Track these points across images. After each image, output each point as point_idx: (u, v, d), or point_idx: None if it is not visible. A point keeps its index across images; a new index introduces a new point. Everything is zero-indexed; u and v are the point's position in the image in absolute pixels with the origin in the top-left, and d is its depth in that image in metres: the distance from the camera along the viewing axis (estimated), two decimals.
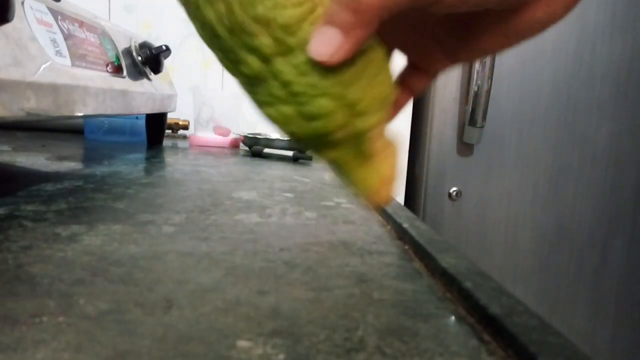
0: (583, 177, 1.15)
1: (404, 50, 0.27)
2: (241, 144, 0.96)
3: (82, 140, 0.89)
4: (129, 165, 0.62)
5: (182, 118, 1.11)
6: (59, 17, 0.43)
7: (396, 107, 0.26)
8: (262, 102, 0.21)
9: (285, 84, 0.20)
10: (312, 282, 0.25)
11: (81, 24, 0.49)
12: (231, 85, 1.16)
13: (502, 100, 1.11)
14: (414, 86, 0.27)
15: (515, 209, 1.17)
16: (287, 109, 0.21)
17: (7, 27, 0.32)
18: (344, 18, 0.19)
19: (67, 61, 0.42)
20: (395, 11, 0.19)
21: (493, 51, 0.25)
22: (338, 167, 0.23)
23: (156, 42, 0.71)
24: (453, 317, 0.22)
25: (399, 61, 0.27)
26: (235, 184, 0.55)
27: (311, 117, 0.20)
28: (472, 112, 1.07)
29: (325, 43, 0.19)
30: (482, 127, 1.08)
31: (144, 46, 0.68)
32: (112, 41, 0.57)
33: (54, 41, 0.40)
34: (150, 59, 0.68)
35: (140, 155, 0.74)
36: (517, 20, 0.22)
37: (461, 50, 0.25)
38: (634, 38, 1.08)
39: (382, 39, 0.22)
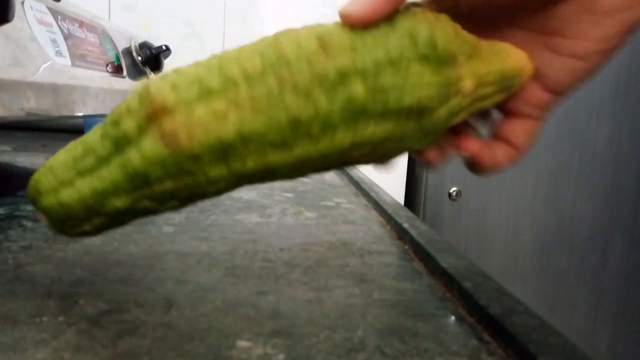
0: (583, 177, 1.15)
1: None
2: None
3: None
4: None
5: None
6: (59, 17, 0.43)
7: (496, 165, 0.23)
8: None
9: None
10: (312, 282, 0.25)
11: (81, 24, 0.49)
12: None
13: None
14: (515, 137, 0.23)
15: (515, 209, 1.17)
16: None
17: (7, 27, 0.32)
18: None
19: (67, 61, 0.42)
20: None
21: (592, 48, 0.20)
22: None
23: (156, 42, 0.71)
24: (453, 317, 0.22)
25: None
26: None
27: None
28: None
29: (352, 3, 0.19)
30: None
31: (144, 46, 0.68)
32: (112, 41, 0.57)
33: (54, 41, 0.40)
34: (150, 59, 0.68)
35: None
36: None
37: (556, 63, 0.21)
38: (634, 38, 1.08)
39: None
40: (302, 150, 0.20)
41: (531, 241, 1.19)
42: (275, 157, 0.20)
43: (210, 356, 0.17)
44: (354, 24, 0.19)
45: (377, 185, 0.52)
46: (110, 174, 0.20)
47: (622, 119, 1.14)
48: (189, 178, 0.20)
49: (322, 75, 0.19)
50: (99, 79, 0.48)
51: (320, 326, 0.20)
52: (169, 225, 0.34)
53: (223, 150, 0.19)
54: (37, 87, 0.35)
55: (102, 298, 0.21)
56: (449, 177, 1.15)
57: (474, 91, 0.21)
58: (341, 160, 0.21)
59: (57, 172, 0.21)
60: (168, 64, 0.82)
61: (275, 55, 0.19)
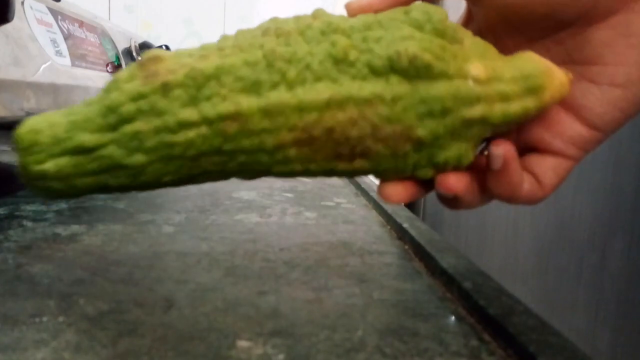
0: (583, 177, 1.15)
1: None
2: None
3: None
4: None
5: None
6: (59, 17, 0.43)
7: (513, 199, 0.20)
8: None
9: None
10: (312, 282, 0.25)
11: (81, 24, 0.49)
12: None
13: None
14: (543, 173, 0.20)
15: (515, 209, 1.17)
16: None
17: (7, 27, 0.32)
18: None
19: (67, 61, 0.42)
20: None
21: (635, 74, 0.18)
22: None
23: (156, 42, 0.71)
24: (453, 317, 0.22)
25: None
26: (235, 183, 0.55)
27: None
28: None
29: None
30: None
31: (144, 46, 0.68)
32: (112, 41, 0.57)
33: (54, 41, 0.40)
34: None
35: None
36: (635, 17, 0.18)
37: (594, 93, 0.19)
38: None
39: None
40: (275, 96, 0.18)
41: (531, 241, 1.19)
42: (246, 101, 0.18)
43: (210, 356, 0.17)
44: (355, 14, 0.19)
45: (377, 185, 0.52)
46: (88, 109, 0.19)
47: None
48: (158, 119, 0.18)
49: (307, 27, 0.19)
50: (99, 79, 0.48)
51: (320, 326, 0.20)
52: (169, 225, 0.34)
53: (196, 85, 0.18)
54: (37, 87, 0.35)
55: (102, 298, 0.21)
56: None
57: (490, 83, 0.18)
58: (328, 127, 0.18)
59: (48, 113, 0.20)
60: None
61: (268, 21, 0.19)
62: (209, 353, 0.17)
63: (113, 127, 0.19)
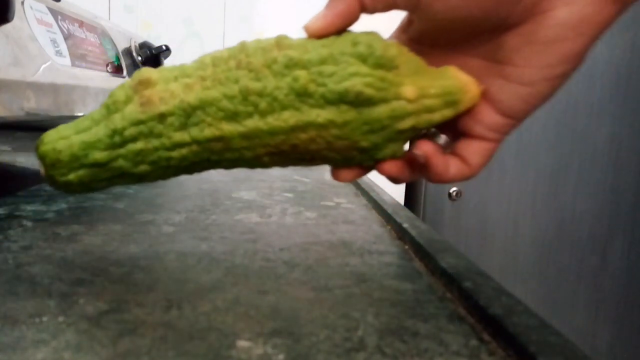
0: (583, 177, 1.15)
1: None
2: None
3: None
4: None
5: None
6: (59, 17, 0.43)
7: (446, 176, 0.24)
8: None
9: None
10: (312, 282, 0.25)
11: (81, 24, 0.49)
12: None
13: None
14: (470, 155, 0.24)
15: (515, 209, 1.17)
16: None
17: (7, 27, 0.32)
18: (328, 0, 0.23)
19: (67, 61, 0.42)
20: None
21: (537, 75, 0.22)
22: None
23: (156, 42, 0.71)
24: (453, 317, 0.22)
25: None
26: (235, 183, 0.55)
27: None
28: None
29: (312, 19, 0.23)
30: None
31: (144, 46, 0.68)
32: (112, 41, 0.57)
33: (54, 41, 0.40)
34: (150, 59, 0.68)
35: None
36: (540, 29, 0.21)
37: (506, 89, 0.23)
38: (634, 38, 1.08)
39: None
40: (251, 123, 0.23)
41: (531, 241, 1.19)
42: (228, 127, 0.23)
43: (210, 356, 0.17)
44: (311, 35, 0.23)
45: (377, 185, 0.52)
46: (97, 130, 0.24)
47: (622, 119, 1.14)
48: (156, 141, 0.24)
49: (273, 61, 0.23)
50: (99, 79, 0.48)
51: (320, 326, 0.20)
52: (169, 225, 0.34)
53: (186, 114, 0.23)
54: (37, 87, 0.35)
55: (102, 298, 0.21)
56: None
57: (418, 100, 0.23)
58: (293, 144, 0.24)
59: (60, 129, 0.25)
60: (168, 64, 0.82)
61: (239, 48, 0.24)
62: (209, 353, 0.17)
63: (120, 145, 0.24)
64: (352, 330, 0.20)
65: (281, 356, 0.18)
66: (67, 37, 0.44)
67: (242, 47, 0.24)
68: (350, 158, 0.24)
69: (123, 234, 0.31)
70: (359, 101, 0.22)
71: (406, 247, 0.33)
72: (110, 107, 0.24)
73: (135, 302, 0.21)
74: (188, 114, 0.23)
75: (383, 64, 0.23)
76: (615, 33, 1.08)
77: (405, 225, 0.34)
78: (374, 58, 0.22)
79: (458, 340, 0.20)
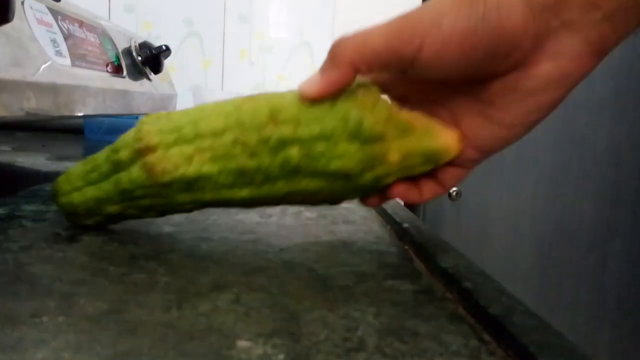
0: (583, 177, 1.15)
1: None
2: None
3: (82, 140, 0.89)
4: None
5: None
6: (59, 17, 0.43)
7: (421, 200, 0.28)
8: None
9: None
10: (312, 282, 0.25)
11: (81, 24, 0.49)
12: (231, 85, 1.16)
13: None
14: (445, 180, 0.28)
15: (515, 209, 1.17)
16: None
17: (7, 27, 0.32)
18: (324, 63, 0.24)
19: (67, 61, 0.42)
20: (368, 63, 0.24)
21: (516, 120, 0.25)
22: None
23: (156, 42, 0.71)
24: (453, 317, 0.22)
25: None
26: None
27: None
28: None
29: (308, 82, 0.25)
30: None
31: (144, 46, 0.68)
32: (112, 41, 0.57)
33: (54, 41, 0.40)
34: (150, 59, 0.68)
35: None
36: (524, 79, 0.23)
37: (486, 128, 0.25)
38: (634, 38, 1.08)
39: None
40: (247, 192, 0.27)
41: (531, 241, 1.19)
42: (226, 194, 0.27)
43: (210, 356, 0.17)
44: (306, 98, 0.25)
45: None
46: (107, 187, 0.28)
47: (622, 119, 1.14)
48: (162, 199, 0.28)
49: (267, 139, 0.25)
50: (99, 79, 0.48)
51: (320, 326, 0.20)
52: (169, 225, 0.34)
53: (186, 184, 0.27)
54: (37, 87, 0.35)
55: (102, 298, 0.21)
56: None
57: (401, 162, 0.26)
58: (286, 201, 0.28)
59: (72, 179, 0.30)
60: (168, 64, 0.83)
61: (235, 119, 0.26)
62: (209, 353, 0.17)
63: (129, 200, 0.28)
64: (352, 330, 0.20)
65: (281, 356, 0.18)
66: (67, 37, 0.44)
67: (238, 116, 0.26)
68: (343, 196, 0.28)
69: (123, 234, 0.31)
70: (347, 177, 0.26)
71: (406, 247, 0.33)
72: (117, 165, 0.28)
73: (135, 302, 0.21)
74: (189, 184, 0.27)
75: (371, 139, 0.25)
76: None
77: (405, 225, 0.34)
78: (363, 136, 0.25)
79: (458, 340, 0.20)
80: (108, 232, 0.31)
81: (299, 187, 0.26)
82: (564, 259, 1.23)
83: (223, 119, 0.26)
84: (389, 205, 0.41)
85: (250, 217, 0.38)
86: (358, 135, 0.25)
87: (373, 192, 0.28)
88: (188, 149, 0.26)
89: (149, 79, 0.68)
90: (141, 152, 0.27)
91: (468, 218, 1.18)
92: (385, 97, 0.27)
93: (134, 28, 1.13)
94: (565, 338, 0.19)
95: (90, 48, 0.49)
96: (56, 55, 0.40)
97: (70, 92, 0.41)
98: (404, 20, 0.23)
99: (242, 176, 0.26)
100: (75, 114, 0.42)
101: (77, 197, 0.29)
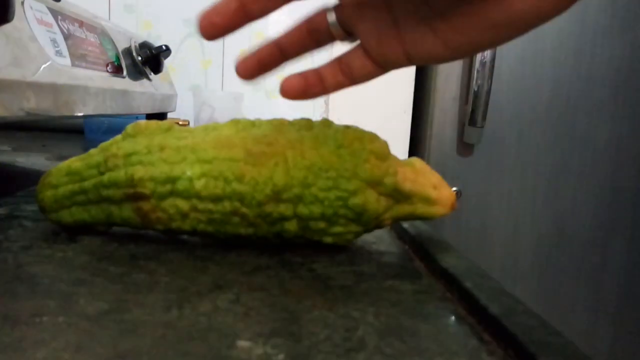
0: (583, 177, 1.15)
1: (364, 30, 0.24)
2: None
3: (82, 140, 0.89)
4: None
5: (182, 118, 1.11)
6: (59, 17, 0.43)
7: (320, 86, 0.26)
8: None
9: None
10: (312, 282, 0.25)
11: (81, 24, 0.49)
12: (231, 85, 1.16)
13: (502, 100, 1.11)
14: (355, 70, 0.25)
15: (515, 209, 1.17)
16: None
17: (7, 27, 0.32)
18: None
19: (67, 61, 0.42)
20: None
21: (467, 46, 0.22)
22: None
23: (156, 42, 0.71)
24: (453, 317, 0.22)
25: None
26: None
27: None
28: (472, 112, 1.07)
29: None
30: (482, 127, 1.08)
31: (144, 46, 0.68)
32: (112, 41, 0.57)
33: (54, 41, 0.40)
34: (150, 59, 0.68)
35: None
36: (494, 10, 0.21)
37: (427, 41, 0.23)
38: (634, 38, 1.08)
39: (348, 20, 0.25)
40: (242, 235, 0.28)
41: (531, 241, 1.19)
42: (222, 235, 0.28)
43: (210, 356, 0.17)
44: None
45: None
46: (97, 214, 0.29)
47: (622, 119, 1.14)
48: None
49: (266, 215, 0.27)
50: (99, 79, 0.48)
51: (320, 326, 0.20)
52: None
53: (182, 231, 0.28)
54: (37, 87, 0.35)
55: (102, 298, 0.21)
56: (449, 177, 1.15)
57: (391, 221, 0.29)
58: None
59: (59, 197, 0.29)
60: (168, 64, 0.82)
61: (233, 190, 0.26)
62: (209, 353, 0.17)
63: (112, 224, 0.30)
64: (352, 330, 0.20)
65: (281, 356, 0.18)
66: (67, 37, 0.44)
67: (238, 188, 0.26)
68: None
69: (123, 234, 0.31)
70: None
71: (406, 247, 0.33)
72: (106, 198, 0.28)
73: (135, 302, 0.21)
74: (184, 231, 0.28)
75: (371, 222, 0.27)
76: (615, 33, 1.08)
77: (405, 225, 0.34)
78: (364, 221, 0.27)
79: (458, 340, 0.20)
80: (108, 232, 0.31)
81: (290, 239, 0.29)
82: (564, 259, 1.22)
83: (222, 185, 0.26)
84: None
85: None
86: (359, 220, 0.27)
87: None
88: (184, 205, 0.26)
89: (149, 79, 0.68)
90: (133, 197, 0.27)
91: (468, 218, 1.18)
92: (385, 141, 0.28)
93: (134, 28, 1.13)
94: (565, 338, 0.19)
95: (90, 48, 0.49)
96: (56, 55, 0.40)
97: (70, 92, 0.41)
98: None
99: (238, 237, 0.28)
100: (75, 114, 0.42)
101: (66, 216, 0.29)
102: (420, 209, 0.28)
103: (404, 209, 0.28)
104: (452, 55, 0.23)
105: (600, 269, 1.16)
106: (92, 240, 0.29)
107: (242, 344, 0.18)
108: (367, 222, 0.27)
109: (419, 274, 0.28)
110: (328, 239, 0.28)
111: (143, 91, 0.63)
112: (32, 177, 0.49)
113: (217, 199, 0.26)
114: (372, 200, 0.27)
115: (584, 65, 1.12)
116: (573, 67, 1.11)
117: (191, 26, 1.17)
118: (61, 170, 0.29)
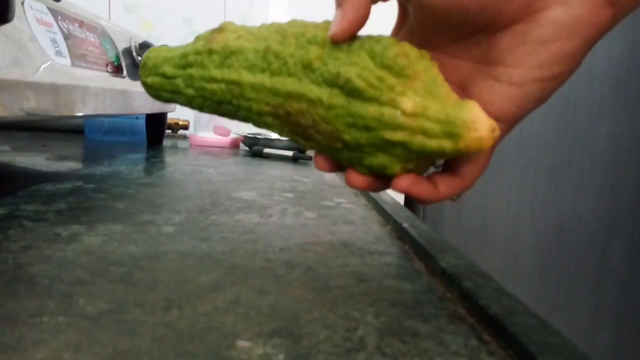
0: (583, 177, 1.15)
1: None
2: (241, 144, 0.96)
3: (82, 140, 0.89)
4: (129, 165, 0.62)
5: (182, 118, 1.11)
6: (59, 17, 0.43)
7: (436, 198, 0.24)
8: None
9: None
10: (312, 282, 0.25)
11: (81, 24, 0.49)
12: None
13: None
14: (463, 170, 0.24)
15: (515, 209, 1.17)
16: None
17: (7, 27, 0.32)
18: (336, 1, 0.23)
19: (67, 61, 0.42)
20: None
21: (527, 75, 0.22)
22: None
23: (156, 42, 0.71)
24: (453, 317, 0.22)
25: None
26: (235, 184, 0.55)
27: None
28: None
29: (333, 25, 0.23)
30: None
31: (144, 46, 0.68)
32: (112, 41, 0.57)
33: (54, 41, 0.40)
34: None
35: (140, 155, 0.75)
36: (532, 28, 0.21)
37: (496, 90, 0.22)
38: (634, 38, 1.08)
39: None
40: (260, 78, 0.26)
41: (531, 241, 1.19)
42: (244, 75, 0.26)
43: (210, 356, 0.17)
44: (334, 40, 0.23)
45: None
46: (176, 52, 0.29)
47: (622, 119, 1.14)
48: (201, 70, 0.28)
49: (301, 34, 0.25)
50: (99, 79, 0.48)
51: (320, 326, 0.20)
52: (169, 225, 0.34)
53: (225, 55, 0.27)
54: (37, 87, 0.35)
55: (102, 298, 0.21)
56: None
57: (415, 117, 0.22)
58: (287, 111, 0.25)
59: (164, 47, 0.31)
60: None
61: (289, 22, 0.26)
62: (209, 353, 0.17)
63: (182, 67, 0.29)
64: (352, 330, 0.20)
65: (281, 356, 0.18)
66: (67, 37, 0.44)
67: (292, 20, 0.26)
68: (339, 151, 0.24)
69: (123, 234, 0.31)
70: (348, 89, 0.23)
71: (406, 247, 0.33)
72: (193, 46, 0.29)
73: (135, 302, 0.21)
74: (226, 56, 0.27)
75: (389, 67, 0.22)
76: (615, 33, 1.08)
77: (405, 225, 0.34)
78: (383, 58, 0.22)
79: (458, 340, 0.20)
80: (108, 232, 0.31)
81: (302, 90, 0.24)
82: (564, 259, 1.23)
83: (276, 32, 0.26)
84: (389, 205, 0.42)
85: (250, 217, 0.38)
86: (377, 57, 0.22)
87: (379, 162, 0.24)
88: (244, 33, 0.27)
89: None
90: (214, 31, 0.28)
91: (468, 218, 1.18)
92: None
93: (134, 28, 1.13)
94: (565, 338, 0.19)
95: (90, 48, 0.49)
96: (56, 55, 0.40)
97: (70, 92, 0.41)
98: None
99: (264, 58, 0.26)
100: (75, 114, 0.42)
101: (153, 53, 0.31)
102: (451, 109, 0.22)
103: (429, 101, 0.22)
104: (522, 92, 0.22)
105: (600, 269, 1.16)
106: (92, 240, 0.29)
107: (242, 344, 0.18)
108: (387, 66, 0.23)
109: (419, 274, 0.28)
110: (345, 70, 0.23)
111: (143, 91, 0.63)
112: (32, 177, 0.49)
113: (274, 25, 0.27)
114: (396, 46, 0.23)
115: (584, 64, 1.11)
116: None
117: (191, 26, 1.17)
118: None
